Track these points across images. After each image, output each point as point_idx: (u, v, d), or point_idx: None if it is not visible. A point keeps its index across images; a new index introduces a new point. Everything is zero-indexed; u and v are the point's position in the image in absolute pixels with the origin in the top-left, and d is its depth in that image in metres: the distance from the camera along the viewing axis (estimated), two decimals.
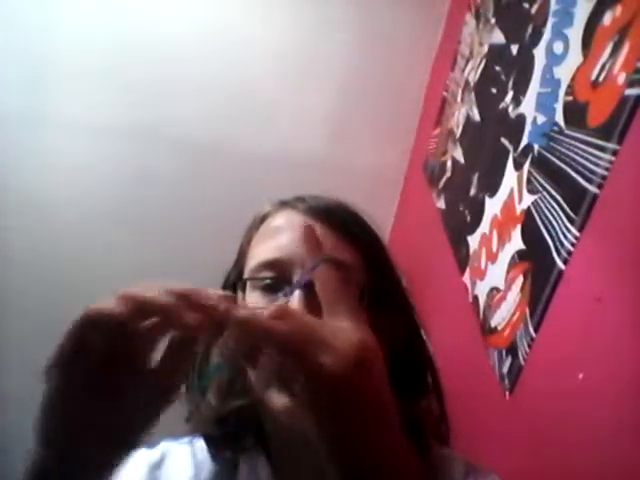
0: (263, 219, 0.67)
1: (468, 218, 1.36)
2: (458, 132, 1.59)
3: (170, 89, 2.01)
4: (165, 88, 2.01)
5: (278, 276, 0.59)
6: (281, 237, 0.62)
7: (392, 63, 2.04)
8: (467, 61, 1.63)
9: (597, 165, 0.82)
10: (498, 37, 1.39)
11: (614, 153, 0.79)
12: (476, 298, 1.21)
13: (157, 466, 0.66)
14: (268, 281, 0.60)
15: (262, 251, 0.62)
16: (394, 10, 1.98)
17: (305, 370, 0.40)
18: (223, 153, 2.10)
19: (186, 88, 2.01)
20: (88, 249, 2.06)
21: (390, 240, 2.15)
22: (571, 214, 0.87)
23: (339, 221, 0.63)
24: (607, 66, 0.84)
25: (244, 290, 0.62)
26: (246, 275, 0.63)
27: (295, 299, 0.53)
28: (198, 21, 1.97)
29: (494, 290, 1.12)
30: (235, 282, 0.65)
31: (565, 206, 0.89)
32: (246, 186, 1.97)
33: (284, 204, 0.67)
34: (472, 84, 1.54)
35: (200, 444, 0.67)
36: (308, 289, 0.54)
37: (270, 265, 0.60)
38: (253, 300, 0.60)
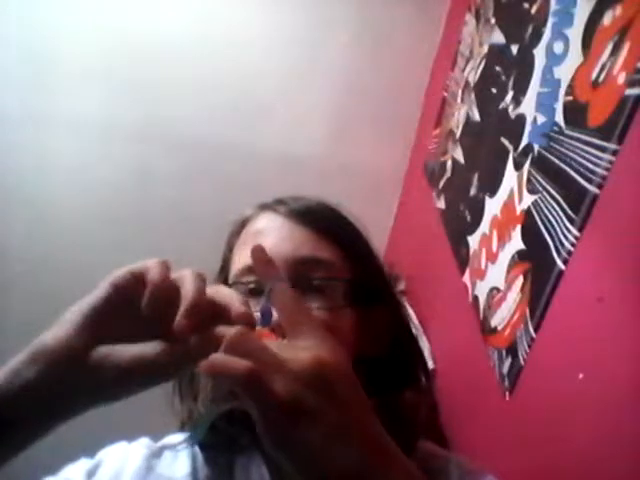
0: (244, 224, 0.67)
1: (468, 218, 1.36)
2: (458, 132, 1.59)
3: (170, 89, 2.01)
4: (165, 88, 2.00)
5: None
6: (262, 240, 0.62)
7: (392, 63, 2.04)
8: (467, 61, 1.63)
9: (597, 165, 0.82)
10: (498, 37, 1.39)
11: (614, 153, 0.79)
12: (476, 298, 1.21)
13: (156, 455, 0.66)
14: (252, 285, 0.60)
15: (245, 256, 0.62)
16: (394, 10, 1.97)
17: (254, 399, 0.40)
18: (222, 153, 2.09)
19: (186, 88, 2.01)
20: (88, 249, 2.06)
21: (390, 240, 2.15)
22: (571, 214, 0.87)
23: (320, 221, 0.64)
24: (607, 66, 0.84)
25: None
26: (230, 280, 0.63)
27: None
28: (198, 21, 1.96)
29: (494, 290, 1.12)
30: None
31: (565, 206, 0.89)
32: (246, 186, 1.96)
33: (264, 207, 0.67)
34: (472, 84, 1.53)
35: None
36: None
37: (253, 269, 0.60)
38: None
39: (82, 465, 0.64)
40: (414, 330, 0.71)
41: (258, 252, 0.49)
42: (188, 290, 0.44)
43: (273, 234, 0.63)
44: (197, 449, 0.66)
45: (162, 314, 0.44)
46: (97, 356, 0.44)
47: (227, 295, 0.47)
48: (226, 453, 0.64)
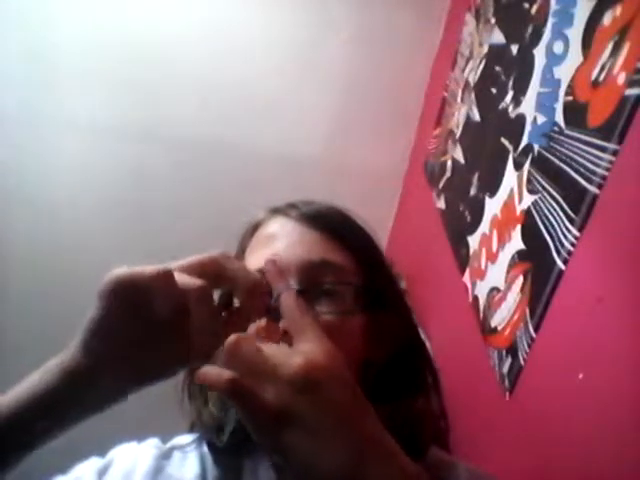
0: (255, 228, 0.68)
1: (468, 218, 1.36)
2: (458, 132, 1.59)
3: (170, 89, 2.01)
4: (165, 88, 2.00)
5: None
6: (275, 245, 0.63)
7: (392, 63, 2.04)
8: (467, 61, 1.63)
9: (597, 165, 0.82)
10: (498, 37, 1.39)
11: (614, 153, 0.79)
12: (476, 298, 1.21)
13: (165, 456, 0.67)
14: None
15: (257, 260, 0.62)
16: (394, 10, 1.97)
17: (239, 408, 0.42)
18: (223, 153, 2.09)
19: (186, 88, 2.01)
20: (88, 249, 2.06)
21: (390, 240, 2.15)
22: (571, 214, 0.87)
23: (331, 226, 0.64)
24: (607, 66, 0.84)
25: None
26: None
27: None
28: (198, 21, 1.96)
29: (494, 290, 1.12)
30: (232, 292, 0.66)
31: (565, 206, 0.89)
32: (246, 186, 1.97)
33: (276, 211, 0.68)
34: (472, 84, 1.54)
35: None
36: (304, 295, 0.56)
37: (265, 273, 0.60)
38: None
39: (93, 464, 0.65)
40: (422, 335, 0.71)
41: (271, 264, 0.53)
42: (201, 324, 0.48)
43: (284, 238, 0.63)
44: (206, 451, 0.66)
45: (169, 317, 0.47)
46: (105, 369, 0.47)
47: (238, 269, 0.52)
48: (235, 456, 0.64)
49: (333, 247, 0.63)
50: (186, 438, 0.69)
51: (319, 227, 0.64)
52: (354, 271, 0.63)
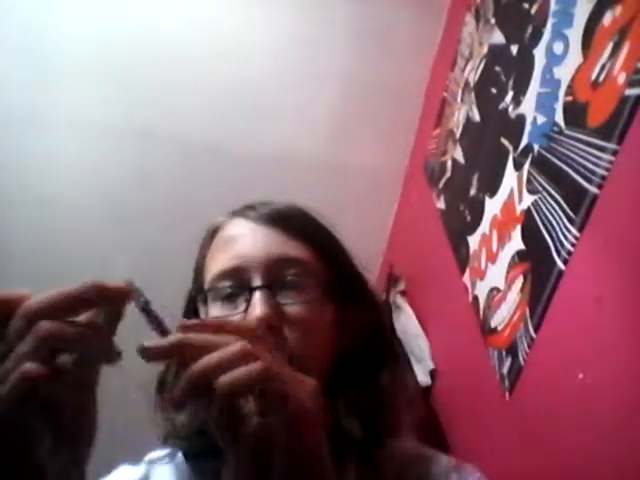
0: (215, 232, 0.68)
1: (468, 218, 1.36)
2: (458, 132, 1.59)
3: (170, 89, 2.01)
4: (165, 88, 2.00)
5: (237, 284, 0.61)
6: (235, 246, 0.63)
7: (392, 63, 2.04)
8: (467, 61, 1.63)
9: (597, 165, 0.82)
10: (498, 37, 1.39)
11: (614, 153, 0.79)
12: (476, 298, 1.21)
13: None
14: (228, 290, 0.61)
15: (218, 262, 0.63)
16: (394, 10, 1.97)
17: (288, 402, 0.42)
18: (223, 153, 2.09)
19: (186, 88, 2.01)
20: (88, 248, 2.06)
21: (390, 240, 2.15)
22: (571, 214, 0.87)
23: (291, 224, 0.65)
24: (607, 66, 0.84)
25: (205, 303, 0.63)
26: (206, 287, 0.64)
27: (257, 303, 0.57)
28: (198, 21, 1.96)
29: (494, 290, 1.12)
30: (195, 296, 0.66)
31: (565, 206, 0.89)
32: (246, 186, 1.96)
33: (234, 214, 0.68)
34: (472, 84, 1.54)
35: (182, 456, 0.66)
36: (269, 290, 0.58)
37: (228, 274, 0.61)
38: (215, 312, 0.61)
39: None
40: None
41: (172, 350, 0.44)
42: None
43: (245, 239, 0.63)
44: (180, 461, 0.65)
45: None
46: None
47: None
48: (212, 461, 0.62)
49: (295, 244, 0.63)
50: (159, 452, 0.67)
51: (279, 226, 0.64)
52: (317, 265, 0.64)
